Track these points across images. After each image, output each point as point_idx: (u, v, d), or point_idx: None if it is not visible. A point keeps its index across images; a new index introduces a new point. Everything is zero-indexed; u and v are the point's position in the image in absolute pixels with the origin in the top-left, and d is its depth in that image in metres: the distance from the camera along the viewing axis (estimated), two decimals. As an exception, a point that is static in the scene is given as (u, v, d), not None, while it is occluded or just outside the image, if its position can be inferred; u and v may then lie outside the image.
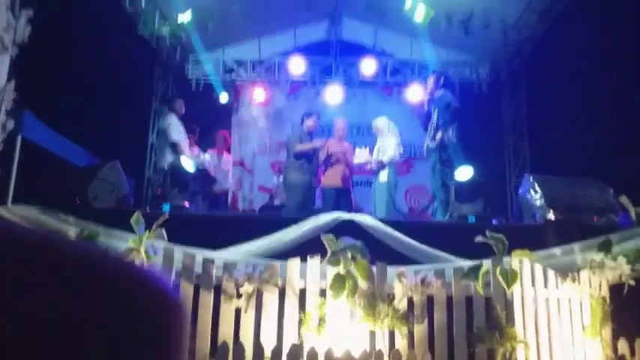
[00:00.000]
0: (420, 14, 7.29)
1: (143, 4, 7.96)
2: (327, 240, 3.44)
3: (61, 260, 0.45)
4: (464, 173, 5.10)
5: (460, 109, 5.90)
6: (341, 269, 3.34)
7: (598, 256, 3.48)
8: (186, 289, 3.46)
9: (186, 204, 5.42)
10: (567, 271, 3.54)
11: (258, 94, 9.45)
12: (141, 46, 8.73)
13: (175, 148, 6.66)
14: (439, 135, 5.73)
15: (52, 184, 5.43)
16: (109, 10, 7.63)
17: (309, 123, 6.55)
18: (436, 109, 5.96)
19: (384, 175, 6.30)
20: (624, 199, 4.53)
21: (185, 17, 7.86)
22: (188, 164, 5.90)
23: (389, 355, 3.12)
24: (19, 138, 5.62)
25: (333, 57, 9.50)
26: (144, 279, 0.51)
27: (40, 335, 0.41)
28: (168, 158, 6.59)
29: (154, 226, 3.69)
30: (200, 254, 3.68)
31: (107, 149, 7.07)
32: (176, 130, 6.93)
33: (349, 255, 3.41)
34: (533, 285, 3.35)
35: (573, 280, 3.48)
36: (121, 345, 0.46)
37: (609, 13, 5.99)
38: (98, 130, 8.05)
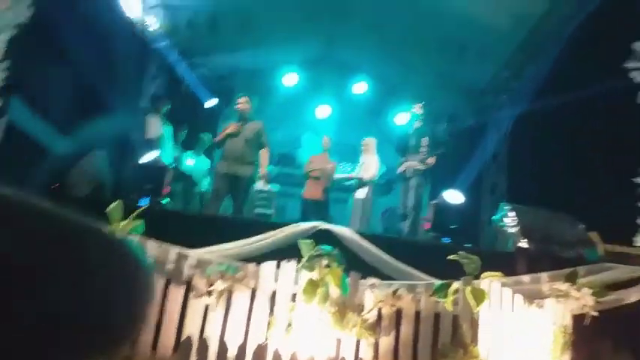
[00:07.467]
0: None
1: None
2: (305, 245, 3.47)
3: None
4: (453, 197, 5.21)
5: (450, 141, 6.17)
6: (315, 275, 3.36)
7: (564, 286, 3.58)
8: (157, 283, 3.44)
9: (164, 201, 5.42)
10: (534, 297, 3.62)
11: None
12: (136, 44, 8.75)
13: (151, 145, 6.67)
14: (432, 160, 5.91)
15: (32, 168, 5.37)
16: (109, 6, 7.67)
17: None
18: (426, 137, 6.14)
19: (362, 192, 6.40)
20: (594, 235, 4.69)
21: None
22: (151, 157, 5.81)
23: (353, 363, 3.14)
24: (5, 120, 5.57)
25: (326, 74, 9.65)
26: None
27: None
28: (145, 154, 6.58)
29: (131, 217, 3.67)
30: (174, 250, 3.67)
31: (93, 142, 7.00)
32: (154, 127, 7.00)
33: (324, 262, 3.44)
34: (500, 307, 3.42)
35: (539, 307, 3.56)
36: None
37: (592, 54, 6.25)
38: (85, 122, 7.99)
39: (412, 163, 6.01)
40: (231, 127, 6.02)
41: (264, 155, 6.03)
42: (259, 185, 6.09)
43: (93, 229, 0.52)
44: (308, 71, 9.61)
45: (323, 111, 9.56)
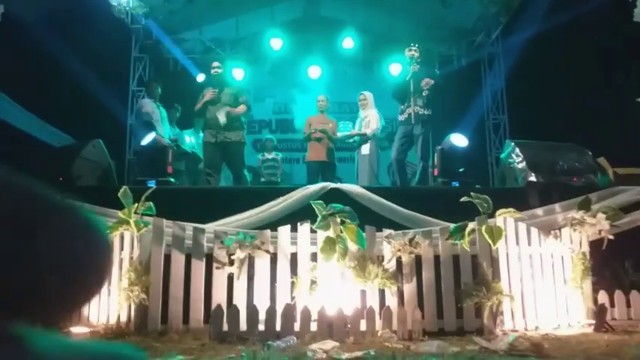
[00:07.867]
0: None
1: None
2: (317, 206, 3.49)
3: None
4: (459, 140, 5.16)
5: (446, 83, 6.04)
6: (331, 233, 3.39)
7: (578, 214, 3.61)
8: (178, 259, 3.47)
9: (171, 180, 5.40)
10: (549, 229, 3.66)
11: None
12: (117, 28, 8.60)
13: (148, 128, 6.64)
14: (428, 80, 5.76)
15: (29, 163, 5.35)
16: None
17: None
18: (420, 80, 5.93)
19: (366, 148, 6.35)
20: (602, 161, 4.69)
21: None
22: (150, 139, 5.75)
23: (380, 313, 3.20)
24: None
25: (311, 34, 9.45)
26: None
27: None
28: (144, 137, 6.55)
29: (142, 199, 3.68)
30: (190, 225, 3.69)
31: (84, 131, 6.96)
32: (148, 110, 6.97)
33: (338, 219, 3.46)
34: (517, 242, 3.46)
35: (555, 237, 3.59)
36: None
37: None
38: (75, 112, 7.92)
39: (415, 109, 5.82)
40: (208, 94, 6.00)
41: (241, 107, 6.05)
42: (240, 136, 6.03)
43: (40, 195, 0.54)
44: (293, 33, 9.39)
45: (314, 71, 9.41)
